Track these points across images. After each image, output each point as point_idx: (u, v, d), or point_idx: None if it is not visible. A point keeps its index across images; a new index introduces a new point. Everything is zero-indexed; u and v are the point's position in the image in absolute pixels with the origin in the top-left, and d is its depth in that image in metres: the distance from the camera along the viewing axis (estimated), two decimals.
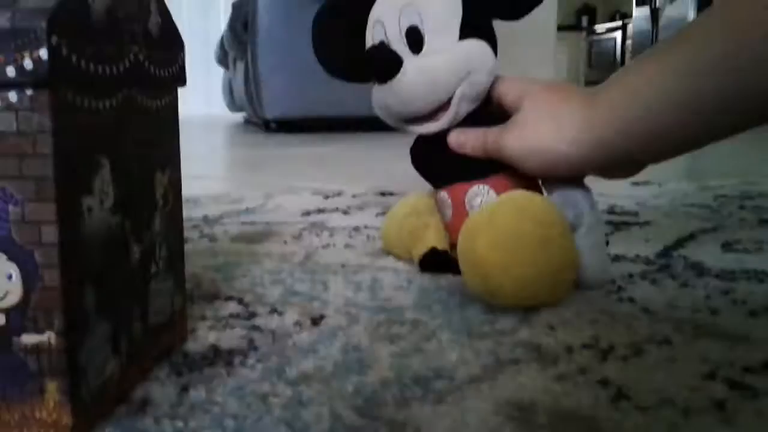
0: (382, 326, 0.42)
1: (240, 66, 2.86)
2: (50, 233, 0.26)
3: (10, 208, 0.26)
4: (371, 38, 0.53)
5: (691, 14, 5.26)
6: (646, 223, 0.75)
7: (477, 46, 0.49)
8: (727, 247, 0.63)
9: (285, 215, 0.82)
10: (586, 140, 0.44)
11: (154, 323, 0.35)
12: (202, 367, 0.36)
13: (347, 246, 0.64)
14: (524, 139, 0.47)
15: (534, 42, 4.97)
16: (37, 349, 0.27)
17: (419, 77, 0.49)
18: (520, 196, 0.47)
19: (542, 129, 0.46)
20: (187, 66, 0.39)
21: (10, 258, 0.26)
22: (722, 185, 1.04)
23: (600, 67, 7.10)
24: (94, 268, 0.29)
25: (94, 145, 0.29)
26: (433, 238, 0.55)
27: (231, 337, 0.40)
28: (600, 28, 7.20)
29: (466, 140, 0.51)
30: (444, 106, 0.50)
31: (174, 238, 0.38)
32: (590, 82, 7.23)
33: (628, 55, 6.45)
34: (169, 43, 0.37)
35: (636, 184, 1.06)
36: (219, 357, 0.37)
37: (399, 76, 0.49)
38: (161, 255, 0.36)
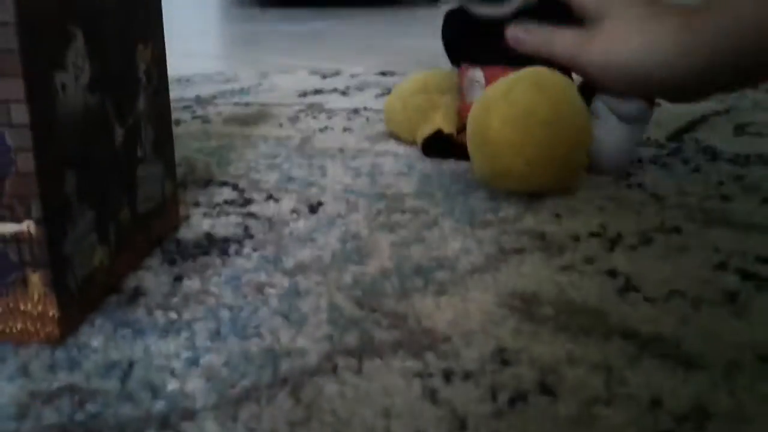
0: (382, 214, 0.41)
1: None
2: (21, 113, 0.24)
3: None
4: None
5: None
6: (657, 104, 0.72)
7: None
8: (739, 130, 0.61)
9: (281, 96, 0.78)
10: (679, 65, 0.41)
11: (144, 210, 0.34)
12: (196, 255, 0.35)
13: (346, 129, 0.62)
14: (610, 53, 0.43)
15: None
16: (16, 238, 0.25)
17: None
18: (539, 72, 0.43)
19: (631, 46, 0.42)
20: None
21: None
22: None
23: None
24: (72, 152, 0.27)
25: (64, 11, 0.26)
26: (441, 120, 0.52)
27: (226, 225, 0.39)
28: None
29: (527, 39, 0.47)
30: None
31: (161, 119, 0.35)
32: None
33: None
34: None
35: None
36: (213, 245, 0.36)
37: None
38: (147, 137, 0.34)
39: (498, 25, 0.47)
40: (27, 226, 0.25)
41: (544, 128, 0.40)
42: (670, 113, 0.68)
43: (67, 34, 0.26)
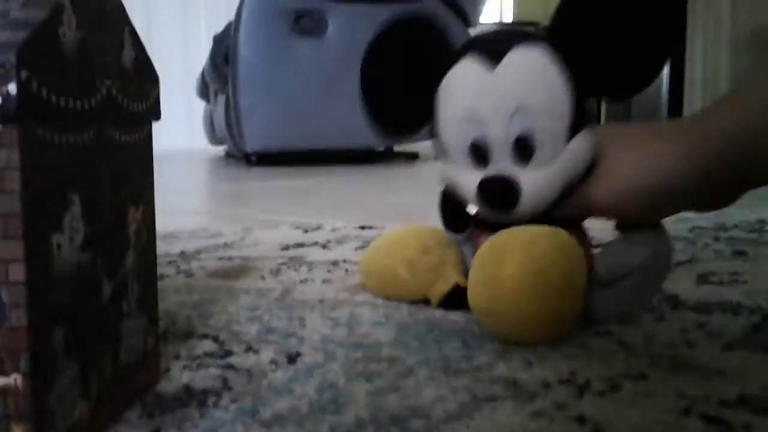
0: (359, 363, 0.42)
1: (221, 99, 2.86)
2: (18, 272, 0.26)
3: None
4: (454, 126, 0.48)
5: None
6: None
7: (583, 143, 0.46)
8: (702, 279, 0.63)
9: (263, 250, 0.81)
10: (685, 173, 0.42)
11: (126, 363, 0.35)
12: (174, 408, 0.35)
13: (325, 281, 0.64)
14: (615, 187, 0.44)
15: None
16: (3, 391, 0.26)
17: (534, 198, 0.46)
18: (560, 234, 0.45)
19: (632, 171, 0.44)
20: (167, 99, 0.39)
21: None
22: (697, 217, 1.05)
23: None
24: (63, 308, 0.28)
25: (64, 180, 0.29)
26: (455, 274, 0.52)
27: (205, 377, 0.40)
28: None
29: None
30: None
31: (147, 275, 0.37)
32: None
33: None
34: (143, 77, 0.36)
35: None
36: (192, 398, 0.37)
37: (516, 206, 0.46)
38: (133, 293, 0.36)
39: None
40: (14, 379, 0.26)
41: (555, 288, 0.43)
42: None
43: (66, 200, 0.29)
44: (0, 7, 0.28)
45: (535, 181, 0.46)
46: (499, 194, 0.46)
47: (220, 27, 3.56)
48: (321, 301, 0.56)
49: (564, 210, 0.47)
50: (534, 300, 0.42)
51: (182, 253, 0.78)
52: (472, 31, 2.84)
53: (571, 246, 0.45)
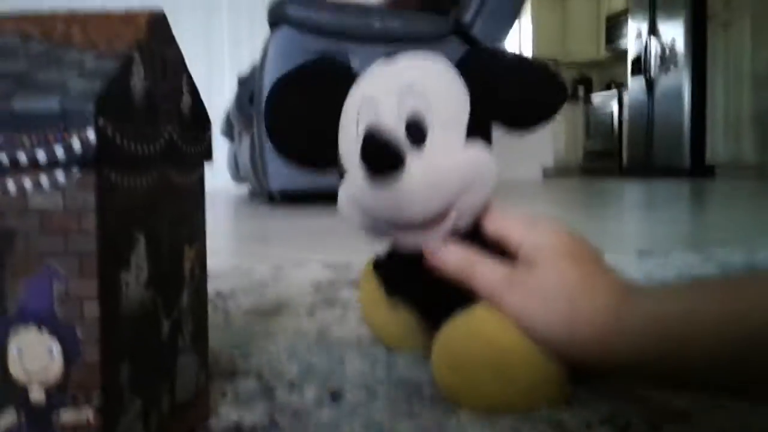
0: (401, 402, 0.42)
1: (245, 139, 2.91)
2: (92, 309, 0.27)
3: (55, 284, 0.27)
4: (355, 116, 0.44)
5: (686, 85, 5.40)
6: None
7: (484, 153, 0.43)
8: None
9: (296, 289, 0.82)
10: (592, 353, 0.38)
11: (181, 400, 0.35)
12: None
13: (360, 319, 0.65)
14: (531, 312, 0.40)
15: None
16: (75, 426, 0.27)
17: (424, 178, 0.41)
18: (476, 317, 0.41)
19: (554, 311, 0.39)
20: None
21: (52, 333, 0.27)
22: (727, 254, 1.05)
23: (598, 137, 7.22)
24: (129, 344, 0.29)
25: (132, 221, 0.30)
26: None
27: (252, 415, 0.40)
28: (596, 98, 7.37)
29: (448, 260, 0.43)
30: (440, 217, 0.43)
31: (199, 312, 0.38)
32: (589, 152, 7.35)
33: (625, 125, 6.57)
34: (198, 122, 0.38)
35: (641, 255, 1.06)
36: None
37: (402, 173, 0.40)
38: (188, 330, 0.37)
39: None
40: (87, 414, 0.27)
41: (488, 376, 0.40)
42: None
43: (134, 239, 0.30)
44: (76, 58, 0.30)
45: (428, 163, 0.41)
46: (383, 153, 0.40)
47: (243, 69, 3.64)
48: (358, 340, 0.57)
49: (476, 281, 0.42)
50: (473, 394, 0.40)
51: (218, 292, 0.79)
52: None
53: (490, 326, 0.41)
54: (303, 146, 0.49)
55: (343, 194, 0.45)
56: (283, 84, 0.49)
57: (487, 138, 0.44)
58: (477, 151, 0.43)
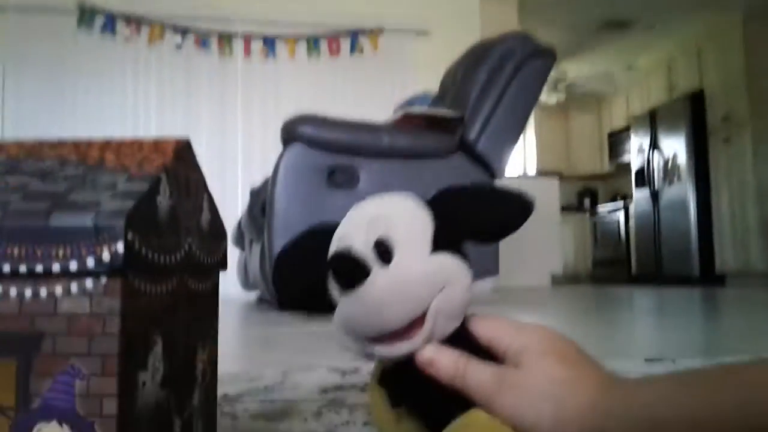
0: None
1: (256, 247, 2.97)
2: (111, 406, 0.29)
3: (77, 382, 0.29)
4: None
5: (691, 196, 5.49)
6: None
7: (451, 260, 0.46)
8: None
9: (303, 393, 0.83)
10: None
11: None
12: None
13: (366, 424, 0.66)
14: (519, 413, 0.41)
15: (540, 223, 5.15)
16: None
17: (390, 286, 0.44)
18: (472, 424, 0.43)
19: (541, 410, 0.41)
20: None
21: (73, 428, 0.29)
22: (736, 362, 1.05)
23: (606, 246, 7.26)
24: None
25: (151, 324, 0.33)
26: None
27: None
28: (602, 208, 7.47)
29: (439, 359, 0.45)
30: (417, 322, 0.45)
31: (209, 412, 0.40)
32: (598, 260, 7.37)
33: (632, 235, 6.62)
34: (215, 234, 0.42)
35: (649, 360, 1.07)
36: None
37: (367, 283, 0.44)
38: (198, 428, 0.39)
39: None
40: None
41: None
42: None
43: (151, 341, 0.33)
44: (109, 180, 0.34)
45: (393, 272, 0.44)
46: (348, 266, 0.44)
47: (254, 182, 3.76)
48: None
49: (468, 384, 0.44)
50: None
51: (225, 396, 0.80)
52: (497, 183, 2.96)
53: None
54: (306, 299, 0.54)
55: (334, 323, 0.49)
56: (283, 254, 0.55)
57: (459, 253, 0.48)
58: (443, 258, 0.46)
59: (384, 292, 0.44)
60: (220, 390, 0.84)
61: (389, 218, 0.47)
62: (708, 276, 5.36)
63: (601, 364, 0.44)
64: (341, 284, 0.45)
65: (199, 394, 0.39)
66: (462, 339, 0.46)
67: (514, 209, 0.51)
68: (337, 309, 0.48)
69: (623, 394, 0.40)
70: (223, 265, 0.43)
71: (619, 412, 0.38)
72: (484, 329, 0.47)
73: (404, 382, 0.47)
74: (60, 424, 0.29)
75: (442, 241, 0.47)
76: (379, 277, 0.44)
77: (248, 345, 1.56)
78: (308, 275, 0.52)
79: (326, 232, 0.52)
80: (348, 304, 0.45)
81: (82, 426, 0.29)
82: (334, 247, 0.49)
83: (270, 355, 1.30)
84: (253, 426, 0.65)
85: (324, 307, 0.50)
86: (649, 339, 1.55)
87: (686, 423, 0.35)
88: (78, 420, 0.29)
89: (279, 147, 2.64)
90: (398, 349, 0.45)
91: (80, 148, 0.38)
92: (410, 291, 0.44)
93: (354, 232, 0.47)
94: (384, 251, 0.46)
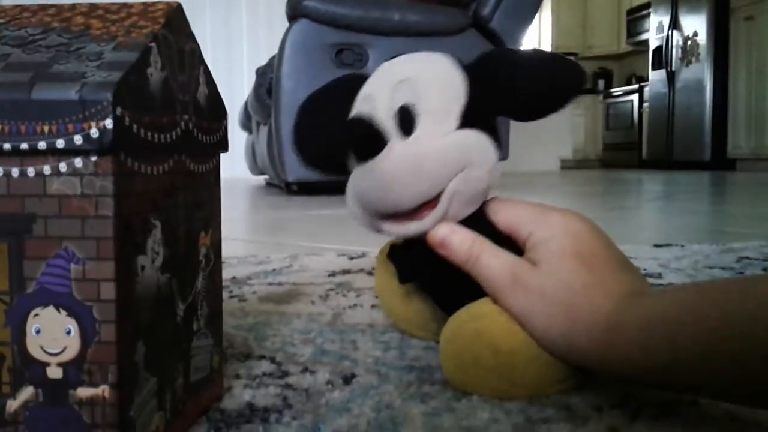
0: (412, 385, 0.43)
1: (263, 130, 2.93)
2: (108, 290, 0.28)
3: (72, 266, 0.28)
4: (356, 111, 0.46)
5: (708, 77, 5.34)
6: (670, 285, 0.76)
7: (476, 137, 0.43)
8: None
9: (311, 276, 0.83)
10: (593, 355, 0.38)
11: (195, 380, 0.37)
12: (240, 423, 0.37)
13: (374, 306, 0.65)
14: (530, 317, 0.40)
15: None
16: (91, 402, 0.28)
17: (404, 161, 0.41)
18: (481, 315, 0.41)
19: (552, 317, 0.39)
20: None
21: (70, 314, 0.28)
22: (745, 247, 1.04)
23: (617, 129, 7.17)
24: (144, 325, 0.30)
25: (148, 207, 0.31)
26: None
27: (266, 395, 0.41)
28: (617, 91, 7.30)
29: (451, 241, 0.42)
30: (431, 202, 0.42)
31: (214, 296, 0.39)
32: (608, 145, 7.30)
33: (645, 118, 6.51)
34: (214, 112, 0.39)
35: (658, 246, 1.06)
36: (255, 414, 0.38)
37: (382, 155, 0.41)
38: (202, 313, 0.38)
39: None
40: (102, 390, 0.28)
41: (493, 378, 0.40)
42: None
43: (149, 224, 0.31)
44: (95, 49, 0.31)
45: (410, 147, 0.42)
46: (364, 134, 0.42)
47: (260, 62, 3.65)
48: (371, 326, 0.58)
49: (481, 272, 0.42)
50: (480, 390, 0.41)
51: (234, 279, 0.81)
52: None
53: (494, 327, 0.41)
54: (323, 157, 0.52)
55: (347, 190, 0.47)
56: (307, 103, 0.52)
57: (489, 129, 0.44)
58: (467, 134, 0.43)
59: (397, 166, 0.41)
60: (229, 273, 0.84)
61: (418, 83, 0.43)
62: (719, 160, 5.31)
63: (629, 263, 0.42)
64: (355, 152, 0.43)
65: (202, 279, 0.37)
66: (479, 223, 0.44)
67: (565, 81, 0.45)
68: (350, 177, 0.45)
69: (639, 309, 0.36)
70: (224, 146, 0.40)
71: (633, 330, 0.36)
72: (504, 214, 0.44)
73: (415, 260, 0.46)
74: (57, 309, 0.28)
75: (474, 115, 0.43)
76: (395, 150, 0.41)
77: (256, 229, 1.57)
78: (330, 129, 0.49)
79: (355, 83, 0.49)
80: (361, 175, 0.43)
81: (80, 311, 0.28)
82: (356, 108, 0.46)
83: (278, 238, 1.30)
84: (261, 308, 0.65)
85: (341, 169, 0.48)
86: (658, 224, 1.55)
87: (704, 338, 0.32)
88: (75, 305, 0.28)
89: (285, 24, 2.54)
90: (406, 228, 0.44)
91: (64, 13, 0.35)
92: (425, 168, 0.41)
93: (379, 94, 0.44)
94: (406, 120, 0.42)
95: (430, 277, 0.47)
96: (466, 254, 0.42)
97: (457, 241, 0.42)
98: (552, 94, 0.45)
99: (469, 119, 0.43)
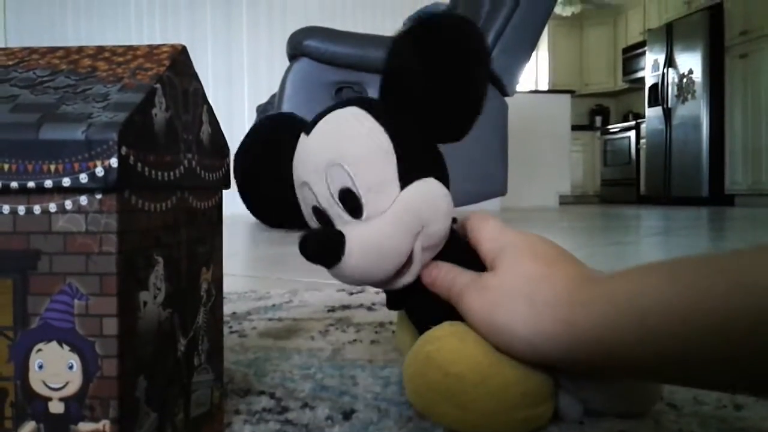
0: (412, 420, 0.43)
1: None
2: (111, 326, 0.28)
3: (75, 302, 0.28)
4: (302, 201, 0.46)
5: (704, 114, 5.39)
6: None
7: (424, 190, 0.43)
8: None
9: (311, 311, 0.83)
10: (559, 338, 0.37)
11: (195, 415, 0.37)
12: None
13: (373, 342, 0.66)
14: (491, 312, 0.40)
15: (549, 141, 5.09)
16: None
17: (367, 255, 0.42)
18: (435, 339, 0.41)
19: (513, 309, 0.39)
20: None
21: (73, 349, 0.28)
22: None
23: (615, 165, 7.21)
24: (146, 360, 0.31)
25: (151, 243, 0.32)
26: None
27: (266, 431, 0.41)
28: (614, 127, 7.36)
29: (436, 276, 0.44)
30: (406, 262, 0.43)
31: (214, 331, 0.40)
32: (606, 180, 7.33)
33: (642, 155, 6.55)
34: (216, 151, 0.40)
35: None
36: None
37: (344, 259, 0.41)
38: (203, 348, 0.38)
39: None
40: (103, 425, 0.28)
41: (444, 401, 0.40)
42: None
43: (152, 260, 0.32)
44: (101, 91, 0.32)
45: (363, 233, 0.42)
46: (322, 249, 0.42)
47: (261, 99, 3.69)
48: (371, 361, 0.58)
49: (452, 291, 0.43)
50: (438, 416, 0.41)
51: (234, 314, 0.81)
52: (509, 101, 2.90)
53: (443, 351, 0.40)
54: (273, 213, 0.52)
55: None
56: (246, 145, 0.51)
57: (431, 167, 0.44)
58: (414, 192, 0.42)
59: (363, 260, 0.42)
60: (229, 308, 0.84)
61: (347, 162, 0.42)
62: (717, 196, 5.33)
63: (587, 265, 0.42)
64: (312, 261, 0.43)
65: (203, 314, 0.38)
66: (453, 247, 0.45)
67: (476, 76, 0.43)
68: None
69: (605, 286, 0.36)
70: (226, 183, 0.41)
71: (600, 304, 0.35)
72: (470, 233, 0.46)
73: (402, 289, 0.46)
74: (60, 344, 0.29)
75: (409, 167, 0.43)
76: (353, 243, 0.41)
77: (256, 265, 1.57)
78: (273, 174, 0.48)
79: (286, 124, 0.48)
80: (334, 271, 0.44)
81: (83, 346, 0.28)
82: (298, 189, 0.46)
83: (278, 274, 1.30)
84: (260, 343, 0.65)
85: (297, 222, 0.48)
86: (657, 258, 1.55)
87: (675, 313, 0.32)
88: (78, 340, 0.28)
89: (285, 63, 2.58)
90: (395, 285, 0.45)
91: (71, 56, 0.36)
92: (388, 250, 0.42)
93: (313, 181, 0.44)
94: (352, 205, 0.42)
95: (414, 305, 0.48)
96: (444, 282, 0.44)
97: (436, 272, 0.44)
98: (465, 100, 0.43)
99: (408, 170, 0.43)
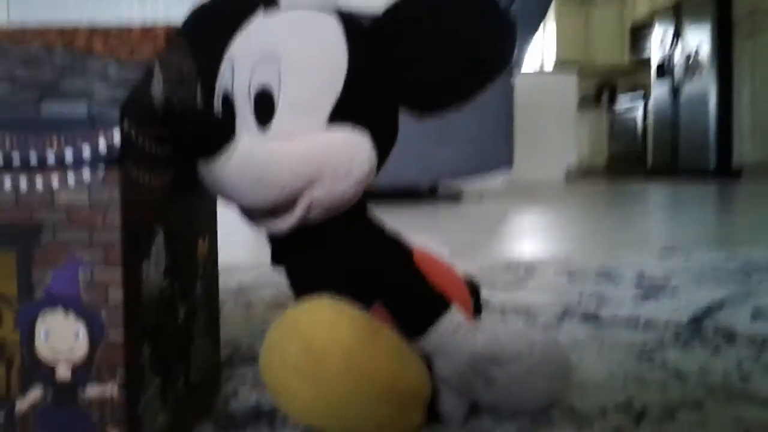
0: None
1: None
2: (116, 294, 0.29)
3: (80, 271, 0.29)
4: (219, 78, 0.39)
5: (712, 90, 5.34)
6: (676, 289, 0.76)
7: (345, 145, 0.36)
8: (757, 314, 0.64)
9: None
10: None
11: (195, 380, 0.38)
12: (246, 425, 0.38)
13: None
14: None
15: (555, 117, 5.07)
16: (100, 400, 0.29)
17: (247, 168, 0.35)
18: (305, 307, 0.36)
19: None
20: None
21: (78, 317, 0.29)
22: (751, 252, 1.05)
23: (622, 140, 7.17)
24: (149, 327, 0.32)
25: (152, 215, 0.32)
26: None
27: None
28: (621, 102, 7.31)
29: None
30: (286, 205, 0.37)
31: (212, 301, 0.41)
32: (613, 154, 7.30)
33: (649, 128, 6.52)
34: None
35: (665, 252, 1.07)
36: (262, 416, 0.39)
37: (224, 156, 0.34)
38: (202, 316, 0.39)
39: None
40: (111, 389, 0.29)
41: (300, 377, 0.34)
42: (688, 298, 0.72)
43: (153, 231, 0.32)
44: (100, 67, 0.32)
45: (255, 145, 0.35)
46: (202, 125, 0.35)
47: None
48: None
49: None
50: (285, 395, 0.35)
51: (240, 285, 0.82)
52: (515, 79, 2.88)
53: (310, 321, 0.35)
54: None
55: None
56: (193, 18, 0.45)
57: (375, 124, 0.37)
58: (334, 137, 0.36)
59: (238, 171, 0.35)
60: (235, 279, 0.85)
61: (283, 62, 0.35)
62: (724, 170, 5.31)
63: None
64: (192, 147, 0.35)
65: (201, 283, 0.39)
66: (331, 228, 0.39)
67: (490, 51, 0.37)
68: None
69: None
70: None
71: None
72: None
73: (284, 243, 0.41)
74: (65, 312, 0.29)
75: (349, 109, 0.36)
76: (239, 149, 0.34)
77: (263, 236, 1.58)
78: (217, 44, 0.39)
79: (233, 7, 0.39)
80: (204, 170, 0.36)
81: (88, 313, 0.29)
82: (222, 67, 0.39)
83: None
84: (267, 314, 0.66)
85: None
86: (664, 231, 1.55)
87: None
88: (83, 307, 0.29)
89: None
90: (268, 226, 0.38)
91: (66, 35, 0.36)
92: (268, 177, 0.35)
93: (240, 64, 0.37)
94: (265, 109, 0.36)
95: (292, 265, 0.42)
96: None
97: None
98: (461, 84, 0.37)
99: (344, 112, 0.36)
